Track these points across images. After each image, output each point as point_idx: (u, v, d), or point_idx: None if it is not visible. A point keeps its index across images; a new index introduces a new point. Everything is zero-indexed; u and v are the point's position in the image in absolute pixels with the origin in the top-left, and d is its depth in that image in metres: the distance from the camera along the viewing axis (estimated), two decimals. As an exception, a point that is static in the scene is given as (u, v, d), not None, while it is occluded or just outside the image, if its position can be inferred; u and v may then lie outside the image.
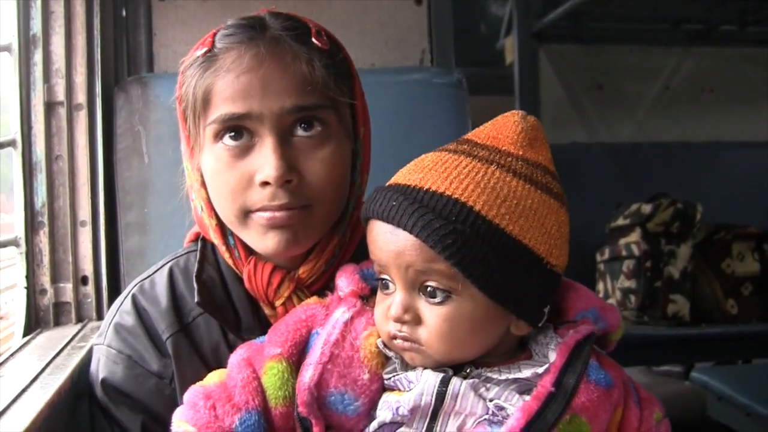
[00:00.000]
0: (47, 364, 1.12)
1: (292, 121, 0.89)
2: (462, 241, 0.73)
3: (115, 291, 1.50)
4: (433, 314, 0.77)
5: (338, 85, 0.91)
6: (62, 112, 1.51)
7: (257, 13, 0.95)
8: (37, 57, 1.49)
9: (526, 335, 0.82)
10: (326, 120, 0.90)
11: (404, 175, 0.80)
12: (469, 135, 0.83)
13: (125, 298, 1.01)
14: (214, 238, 0.98)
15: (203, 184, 0.95)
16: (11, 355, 1.22)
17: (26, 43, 1.48)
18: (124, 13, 1.80)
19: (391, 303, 0.79)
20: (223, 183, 0.90)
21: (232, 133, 0.89)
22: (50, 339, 1.36)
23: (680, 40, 3.68)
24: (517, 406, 0.75)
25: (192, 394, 0.83)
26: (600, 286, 2.80)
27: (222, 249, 0.98)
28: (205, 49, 0.90)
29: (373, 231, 0.80)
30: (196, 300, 0.95)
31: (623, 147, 3.35)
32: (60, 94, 1.51)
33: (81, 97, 1.53)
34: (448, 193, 0.75)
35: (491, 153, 0.78)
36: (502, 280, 0.75)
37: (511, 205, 0.75)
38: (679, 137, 3.44)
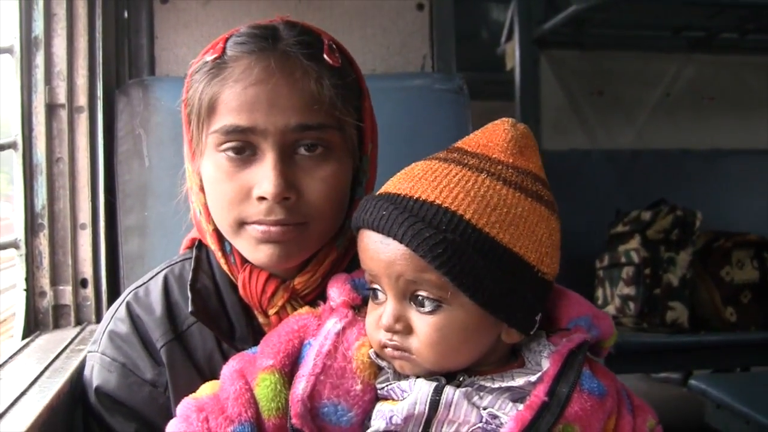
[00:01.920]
0: (46, 367, 1.12)
1: (295, 139, 0.88)
2: (452, 251, 0.72)
3: (114, 294, 1.50)
4: (423, 323, 0.76)
5: (345, 105, 0.90)
6: (63, 114, 1.51)
7: (272, 20, 0.94)
8: (39, 59, 1.49)
9: (518, 343, 0.82)
10: (329, 140, 0.90)
11: (394, 184, 0.79)
12: (460, 143, 0.83)
13: (120, 305, 1.00)
14: (211, 243, 0.97)
15: (202, 189, 0.94)
16: (10, 357, 1.22)
17: (28, 45, 1.49)
18: (126, 15, 1.79)
19: (382, 312, 0.78)
20: (220, 192, 0.90)
21: (235, 146, 0.88)
22: (49, 342, 1.36)
23: (681, 48, 3.67)
24: (510, 415, 0.75)
25: (185, 406, 0.82)
26: (599, 292, 2.80)
27: (218, 255, 0.97)
28: (215, 55, 0.89)
29: (364, 240, 0.79)
30: (189, 309, 0.95)
31: (623, 153, 3.35)
32: (61, 97, 1.51)
33: (82, 99, 1.53)
34: (438, 202, 0.74)
35: (481, 161, 0.78)
36: (492, 288, 0.74)
37: (501, 214, 0.75)
38: (679, 144, 3.44)
